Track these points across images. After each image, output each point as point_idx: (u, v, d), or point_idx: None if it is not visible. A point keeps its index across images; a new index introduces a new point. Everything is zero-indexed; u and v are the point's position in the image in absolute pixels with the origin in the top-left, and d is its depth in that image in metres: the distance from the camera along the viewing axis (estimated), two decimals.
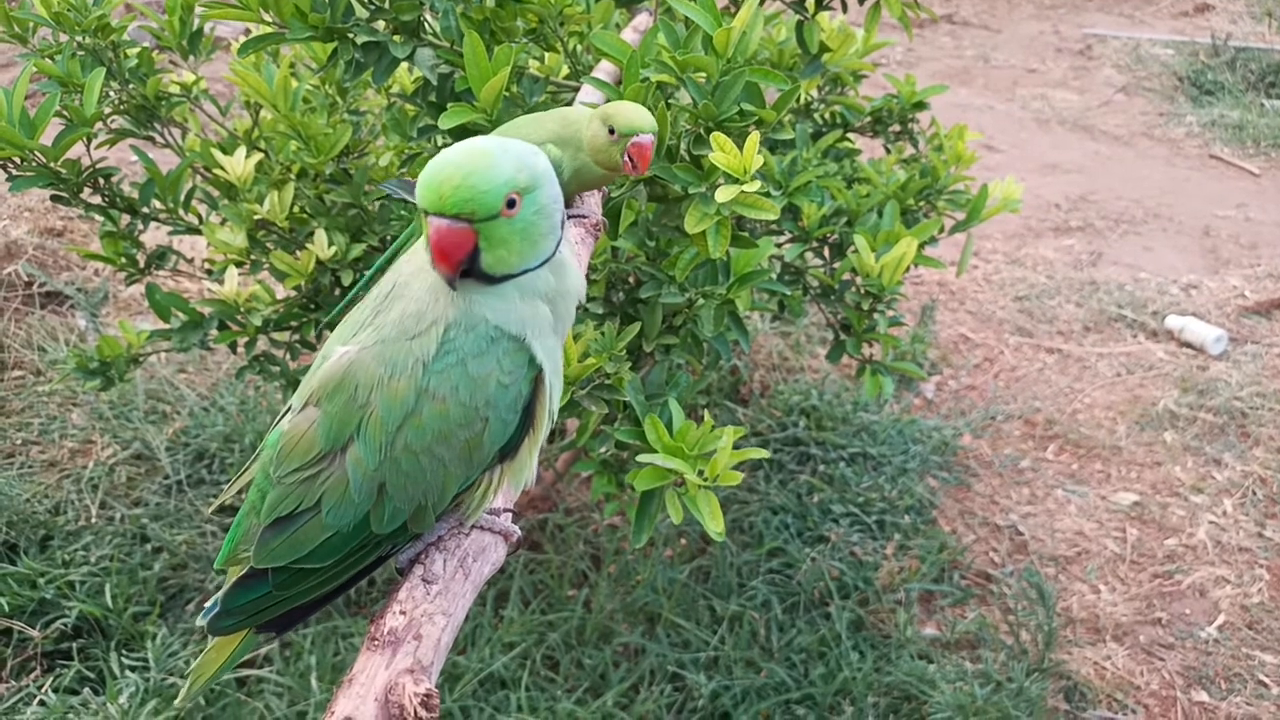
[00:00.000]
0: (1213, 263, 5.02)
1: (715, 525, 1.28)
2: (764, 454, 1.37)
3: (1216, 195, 5.73)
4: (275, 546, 0.89)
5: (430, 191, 0.83)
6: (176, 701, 1.01)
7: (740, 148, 1.38)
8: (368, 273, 1.84)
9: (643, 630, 2.75)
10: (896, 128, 2.61)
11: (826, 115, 2.57)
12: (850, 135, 2.54)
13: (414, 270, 0.91)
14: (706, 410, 3.62)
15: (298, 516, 0.88)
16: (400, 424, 0.86)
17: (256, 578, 0.91)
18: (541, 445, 0.98)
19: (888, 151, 2.64)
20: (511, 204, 0.84)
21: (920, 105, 2.56)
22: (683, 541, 3.05)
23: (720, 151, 1.37)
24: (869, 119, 2.58)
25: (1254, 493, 3.44)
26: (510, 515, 0.97)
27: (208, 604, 0.95)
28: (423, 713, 0.66)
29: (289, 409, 0.93)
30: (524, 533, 3.12)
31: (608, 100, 1.61)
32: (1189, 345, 4.26)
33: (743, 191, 1.37)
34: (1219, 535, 3.26)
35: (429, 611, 0.78)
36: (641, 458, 1.34)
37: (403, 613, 0.78)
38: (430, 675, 0.71)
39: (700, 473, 1.31)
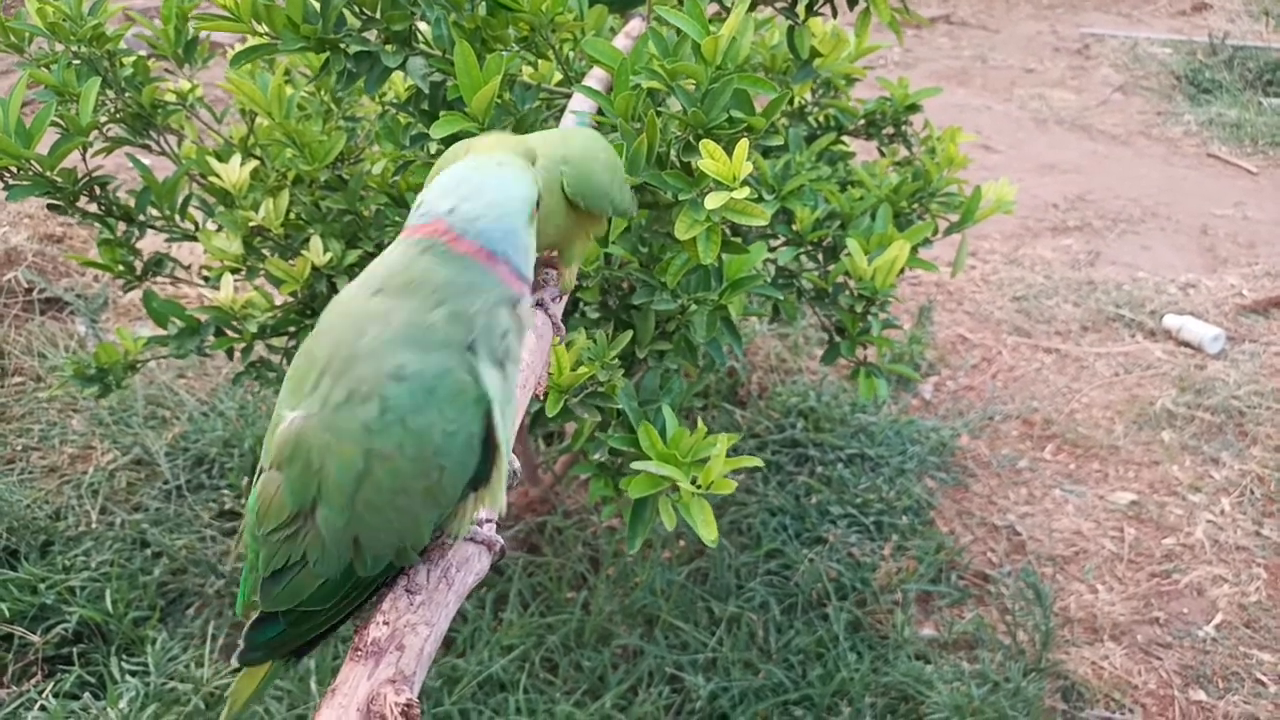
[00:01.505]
0: (1210, 261, 5.02)
1: (708, 533, 1.29)
2: (756, 462, 1.38)
3: (1214, 194, 5.73)
4: (277, 594, 0.91)
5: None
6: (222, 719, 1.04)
7: (730, 154, 1.39)
8: None
9: (641, 632, 2.76)
10: (890, 130, 2.62)
11: (821, 118, 2.57)
12: (844, 138, 2.55)
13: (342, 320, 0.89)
14: (703, 412, 3.63)
15: (289, 569, 0.90)
16: (356, 486, 0.85)
17: (270, 619, 0.94)
18: (513, 468, 0.99)
19: (882, 154, 2.65)
20: None
21: (913, 108, 2.56)
22: (681, 543, 3.06)
23: (709, 159, 1.38)
24: (863, 122, 2.59)
25: (1252, 491, 3.44)
26: (492, 525, 0.98)
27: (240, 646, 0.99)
28: None
29: (260, 470, 0.94)
30: (522, 535, 3.11)
31: (599, 109, 1.62)
32: (1187, 344, 4.27)
33: (732, 198, 1.38)
34: (1217, 534, 3.27)
35: (412, 622, 0.79)
36: (635, 465, 1.34)
37: (386, 623, 0.79)
38: (412, 685, 0.72)
39: (694, 480, 1.32)
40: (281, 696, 2.46)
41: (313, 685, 2.46)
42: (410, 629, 0.79)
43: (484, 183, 0.88)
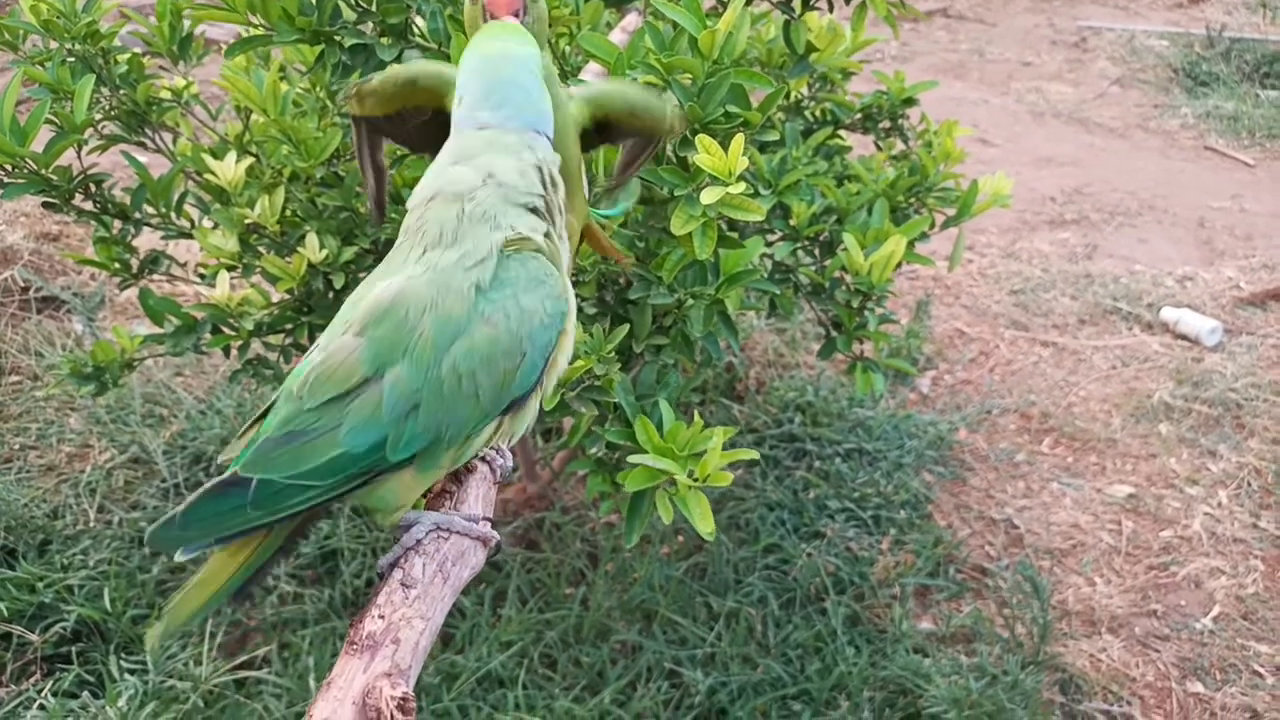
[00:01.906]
0: (1208, 254, 5.02)
1: (705, 525, 1.29)
2: (753, 455, 1.38)
3: (1211, 186, 5.73)
4: (277, 456, 0.88)
5: None
6: (148, 642, 1.01)
7: (725, 149, 1.39)
8: None
9: (640, 628, 2.76)
10: (887, 124, 2.62)
11: (817, 113, 2.57)
12: (841, 133, 2.55)
13: (429, 200, 0.96)
14: (701, 408, 3.63)
15: (307, 432, 0.88)
16: (452, 342, 0.88)
17: (236, 487, 0.89)
18: (536, 416, 1.01)
19: (878, 148, 2.65)
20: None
21: (910, 101, 2.56)
22: (680, 539, 3.06)
23: (705, 154, 1.38)
24: (859, 116, 2.59)
25: (1249, 484, 3.45)
26: (488, 523, 0.98)
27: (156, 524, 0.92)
28: (399, 715, 0.67)
29: (316, 348, 0.93)
30: (521, 531, 3.11)
31: None
32: (1184, 337, 4.27)
33: (728, 193, 1.37)
34: (1214, 527, 3.28)
35: (407, 615, 0.79)
36: (631, 459, 1.34)
37: (381, 617, 0.79)
38: (408, 678, 0.72)
39: (690, 473, 1.32)
40: (280, 694, 2.46)
41: (311, 682, 2.46)
42: (406, 623, 0.79)
43: (514, 83, 1.00)
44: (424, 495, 1.03)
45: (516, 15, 1.14)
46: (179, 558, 0.92)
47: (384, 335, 0.87)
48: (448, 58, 1.62)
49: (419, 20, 1.72)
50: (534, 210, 0.97)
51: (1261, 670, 2.78)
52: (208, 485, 0.90)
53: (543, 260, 0.95)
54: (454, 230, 0.92)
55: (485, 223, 0.93)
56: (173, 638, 0.95)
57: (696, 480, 1.32)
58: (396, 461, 0.89)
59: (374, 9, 1.65)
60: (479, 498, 0.99)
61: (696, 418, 1.39)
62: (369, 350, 0.87)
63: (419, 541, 0.92)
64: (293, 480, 0.88)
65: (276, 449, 0.88)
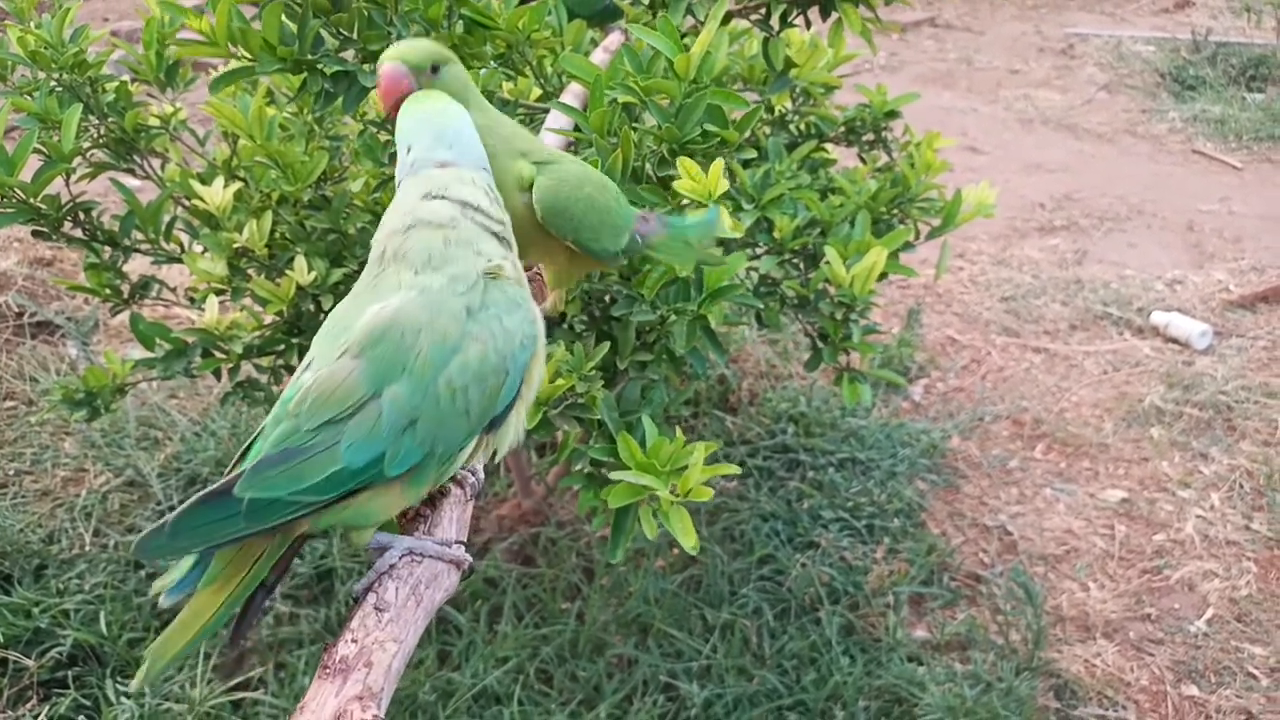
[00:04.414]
0: (1197, 257, 5.05)
1: (687, 540, 1.31)
2: (734, 469, 1.39)
3: (1200, 190, 5.77)
4: (273, 475, 0.90)
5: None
6: (133, 685, 1.03)
7: (705, 169, 1.41)
8: None
9: (635, 641, 2.77)
10: (870, 137, 2.64)
11: (802, 126, 2.59)
12: (826, 145, 2.57)
13: (408, 228, 1.01)
14: (694, 420, 3.65)
15: (309, 447, 0.91)
16: (448, 361, 0.94)
17: (226, 496, 0.90)
18: (522, 429, 1.08)
19: (863, 161, 2.67)
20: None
21: (892, 114, 2.59)
22: (674, 551, 3.07)
23: (686, 177, 1.40)
24: (843, 129, 2.61)
25: (1241, 486, 3.46)
26: (461, 546, 1.00)
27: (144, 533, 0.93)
28: None
29: (306, 366, 0.97)
30: (516, 547, 3.10)
31: (575, 125, 1.64)
32: (1174, 340, 4.29)
33: None
34: (1207, 529, 3.29)
35: (380, 639, 0.81)
36: (614, 475, 1.36)
37: (354, 641, 0.80)
38: (380, 702, 0.73)
39: (672, 488, 1.34)
40: (276, 715, 2.47)
41: None
42: (379, 646, 0.80)
43: (460, 130, 1.09)
44: (400, 517, 1.05)
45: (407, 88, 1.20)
46: (164, 602, 0.96)
47: (383, 355, 0.92)
48: None
49: None
50: (501, 238, 1.06)
51: (1256, 672, 2.79)
52: (198, 495, 0.92)
53: (516, 287, 1.03)
54: (441, 255, 0.98)
55: (468, 248, 1.00)
56: (157, 680, 0.96)
57: (678, 495, 1.33)
58: (389, 477, 0.93)
59: (355, 36, 1.68)
60: (452, 520, 1.01)
61: (679, 433, 1.41)
62: (368, 369, 0.92)
63: (392, 566, 0.94)
64: (290, 497, 0.90)
65: (273, 467, 0.90)
